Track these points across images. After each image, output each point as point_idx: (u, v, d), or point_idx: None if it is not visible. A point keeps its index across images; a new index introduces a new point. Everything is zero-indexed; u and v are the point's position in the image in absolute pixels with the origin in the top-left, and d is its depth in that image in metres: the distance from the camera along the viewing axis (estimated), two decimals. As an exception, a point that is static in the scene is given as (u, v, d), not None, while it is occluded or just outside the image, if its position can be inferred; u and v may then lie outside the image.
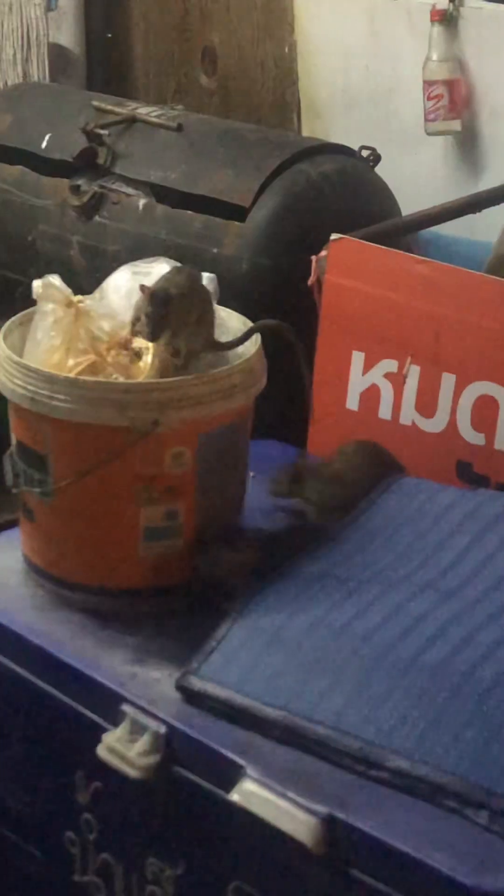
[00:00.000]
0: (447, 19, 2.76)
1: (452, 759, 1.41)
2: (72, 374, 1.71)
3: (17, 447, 1.75)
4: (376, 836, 1.36)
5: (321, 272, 2.16)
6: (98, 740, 1.58)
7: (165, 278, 1.74)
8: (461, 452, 2.03)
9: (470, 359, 2.03)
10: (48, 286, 1.78)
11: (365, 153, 2.58)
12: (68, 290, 1.78)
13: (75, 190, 2.68)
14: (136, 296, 1.77)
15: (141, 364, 1.75)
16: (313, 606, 1.63)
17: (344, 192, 2.48)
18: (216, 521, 1.75)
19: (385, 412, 2.11)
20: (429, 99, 2.79)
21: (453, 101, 2.78)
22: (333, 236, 2.16)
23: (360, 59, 3.02)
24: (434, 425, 2.06)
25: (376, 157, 2.58)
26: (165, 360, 1.73)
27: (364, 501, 1.83)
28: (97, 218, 2.66)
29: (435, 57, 2.78)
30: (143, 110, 2.73)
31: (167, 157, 2.62)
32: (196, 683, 1.56)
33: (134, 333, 1.73)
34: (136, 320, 1.71)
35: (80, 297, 1.80)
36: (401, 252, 2.15)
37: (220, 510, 1.77)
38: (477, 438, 2.02)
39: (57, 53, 3.47)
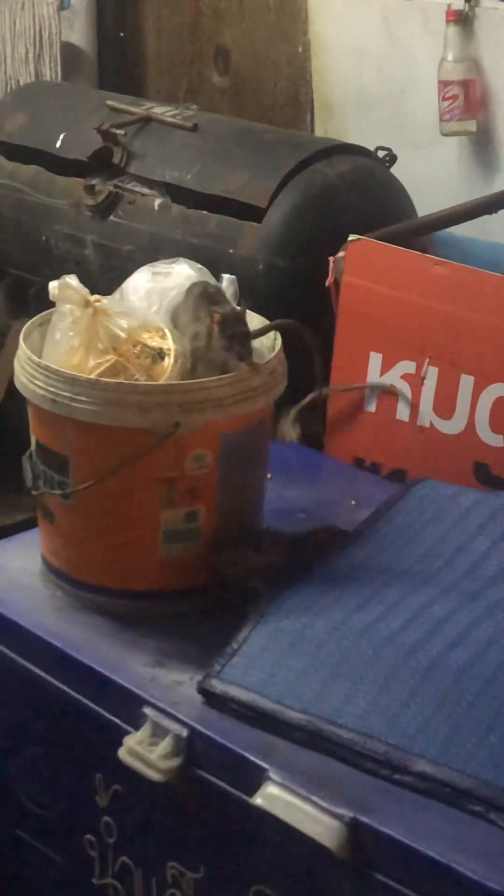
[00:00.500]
0: (463, 20, 2.75)
1: (477, 764, 1.40)
2: (93, 376, 1.70)
3: (38, 448, 1.75)
4: (402, 840, 1.35)
5: (339, 273, 2.15)
6: (118, 743, 1.57)
7: (199, 298, 1.75)
8: (479, 454, 2.03)
9: (488, 360, 2.02)
10: (65, 287, 1.76)
11: (381, 153, 2.58)
12: (85, 290, 1.77)
13: (90, 190, 2.68)
14: (156, 296, 1.77)
15: (164, 364, 1.74)
16: (335, 609, 1.63)
17: (360, 193, 2.47)
18: (237, 523, 1.75)
19: (403, 413, 2.11)
20: (444, 99, 2.78)
21: (469, 101, 2.77)
22: (351, 237, 2.15)
23: (374, 59, 3.01)
24: (452, 427, 2.06)
25: (392, 158, 2.57)
26: (186, 362, 1.73)
27: (384, 504, 1.83)
28: (112, 218, 2.65)
29: (450, 57, 2.77)
30: (159, 110, 2.72)
31: (182, 156, 2.61)
32: (218, 686, 1.55)
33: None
34: (207, 349, 1.71)
35: (97, 296, 1.79)
36: (419, 253, 2.15)
37: (240, 512, 1.76)
38: (495, 440, 2.02)
39: (69, 52, 3.46)
